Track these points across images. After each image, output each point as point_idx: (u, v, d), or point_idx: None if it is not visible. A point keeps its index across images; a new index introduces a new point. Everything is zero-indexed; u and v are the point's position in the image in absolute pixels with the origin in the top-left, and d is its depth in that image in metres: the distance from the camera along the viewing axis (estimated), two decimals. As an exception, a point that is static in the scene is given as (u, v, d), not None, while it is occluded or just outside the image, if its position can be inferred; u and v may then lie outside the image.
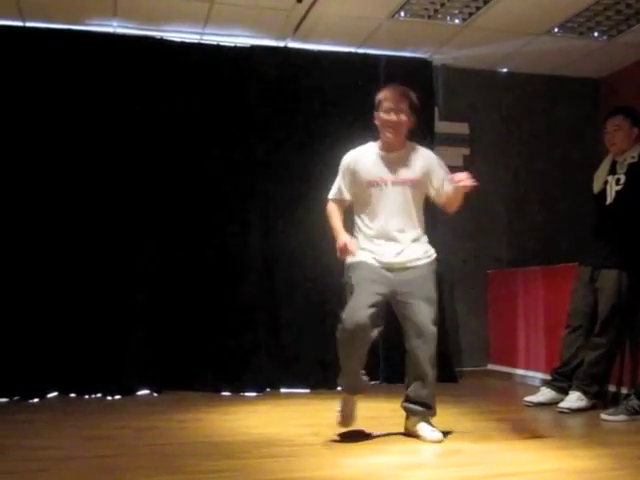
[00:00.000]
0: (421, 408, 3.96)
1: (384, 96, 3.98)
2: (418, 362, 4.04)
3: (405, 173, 3.94)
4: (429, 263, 4.04)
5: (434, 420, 3.99)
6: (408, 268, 3.93)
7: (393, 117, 3.92)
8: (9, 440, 3.89)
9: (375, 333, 3.87)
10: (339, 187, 4.03)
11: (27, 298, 5.46)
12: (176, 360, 5.71)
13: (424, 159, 4.02)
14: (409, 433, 3.95)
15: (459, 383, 6.24)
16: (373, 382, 5.91)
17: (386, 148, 3.99)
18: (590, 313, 4.84)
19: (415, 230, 3.99)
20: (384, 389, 5.82)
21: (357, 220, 4.03)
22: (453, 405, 5.01)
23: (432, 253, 4.08)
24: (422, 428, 3.88)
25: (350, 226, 4.03)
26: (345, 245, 3.79)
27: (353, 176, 3.98)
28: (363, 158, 3.99)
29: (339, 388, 4.12)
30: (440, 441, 3.79)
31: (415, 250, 3.97)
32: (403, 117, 3.94)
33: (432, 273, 4.05)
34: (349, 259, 3.89)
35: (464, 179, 3.82)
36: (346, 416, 3.97)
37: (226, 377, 5.72)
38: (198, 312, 5.80)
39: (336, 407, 4.01)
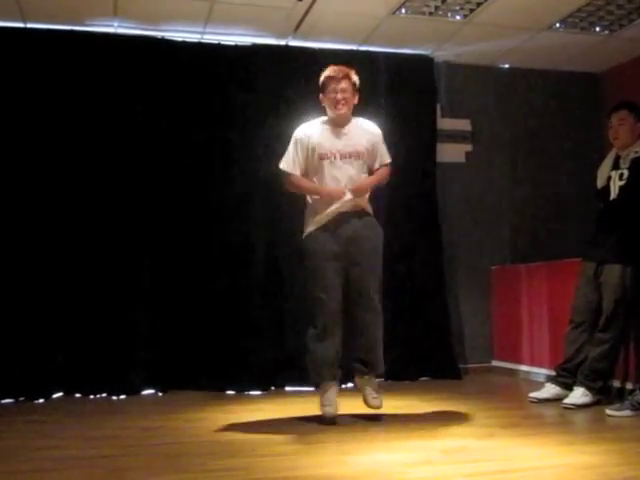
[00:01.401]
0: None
1: (328, 76, 4.28)
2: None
3: (353, 146, 4.26)
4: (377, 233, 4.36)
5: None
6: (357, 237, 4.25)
7: (339, 95, 4.23)
8: (14, 441, 3.90)
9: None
10: (295, 161, 4.30)
11: (32, 299, 5.47)
12: (181, 360, 5.71)
13: (370, 134, 4.36)
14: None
15: (463, 380, 6.24)
16: (378, 380, 5.93)
17: (334, 123, 4.30)
18: (594, 309, 4.83)
19: (363, 200, 4.33)
20: (387, 386, 5.82)
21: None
22: (458, 402, 5.01)
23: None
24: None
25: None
26: (332, 192, 4.19)
27: (306, 149, 4.26)
28: (315, 132, 4.29)
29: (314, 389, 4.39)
30: (378, 408, 4.23)
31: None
32: (348, 95, 4.26)
33: (380, 243, 4.35)
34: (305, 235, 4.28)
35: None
36: (332, 408, 4.19)
37: (230, 376, 5.73)
38: (202, 311, 5.81)
39: (320, 405, 4.23)
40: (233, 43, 6.13)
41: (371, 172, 4.42)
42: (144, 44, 5.93)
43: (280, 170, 4.37)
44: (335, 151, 4.23)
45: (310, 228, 4.28)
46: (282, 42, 6.21)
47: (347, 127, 4.32)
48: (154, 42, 5.96)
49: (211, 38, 6.08)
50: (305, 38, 6.12)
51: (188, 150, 5.93)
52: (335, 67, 4.32)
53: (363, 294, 4.20)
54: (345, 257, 4.19)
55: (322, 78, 4.31)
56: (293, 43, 6.22)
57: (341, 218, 4.22)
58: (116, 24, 5.79)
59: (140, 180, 5.81)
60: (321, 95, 4.33)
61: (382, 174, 4.42)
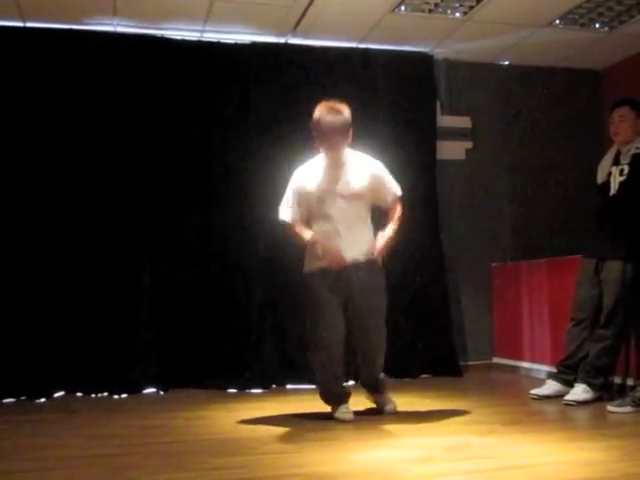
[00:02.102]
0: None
1: (321, 118, 4.13)
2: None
3: (351, 188, 4.18)
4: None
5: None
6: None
7: (330, 140, 4.12)
8: (16, 440, 3.90)
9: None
10: (292, 208, 4.24)
11: (33, 298, 5.47)
12: (182, 358, 5.72)
13: (371, 170, 4.25)
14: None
15: (464, 377, 6.24)
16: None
17: (330, 164, 4.21)
18: (595, 305, 4.83)
19: (365, 239, 4.24)
20: (390, 383, 5.82)
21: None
22: (459, 399, 5.02)
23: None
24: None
25: None
26: (338, 255, 4.08)
27: (304, 192, 4.19)
28: (312, 173, 4.21)
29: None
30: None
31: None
32: (339, 138, 4.13)
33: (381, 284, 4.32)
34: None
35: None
36: (348, 415, 4.24)
37: (232, 374, 5.73)
38: (203, 310, 5.81)
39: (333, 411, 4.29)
40: (232, 41, 6.12)
41: (379, 208, 4.33)
42: (143, 43, 5.92)
43: (282, 222, 4.32)
44: (333, 193, 4.15)
45: (310, 267, 4.22)
46: (282, 40, 6.20)
47: (345, 165, 4.22)
48: (153, 41, 5.95)
49: (210, 36, 6.07)
50: (305, 36, 6.11)
51: (187, 148, 5.93)
52: (329, 114, 4.12)
53: (361, 331, 4.22)
54: (345, 293, 4.16)
55: (315, 118, 4.16)
56: (292, 41, 6.22)
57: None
58: (115, 23, 5.78)
59: (139, 178, 5.81)
60: (315, 133, 4.20)
61: (399, 216, 4.31)
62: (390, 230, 4.25)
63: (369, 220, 4.29)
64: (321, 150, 4.22)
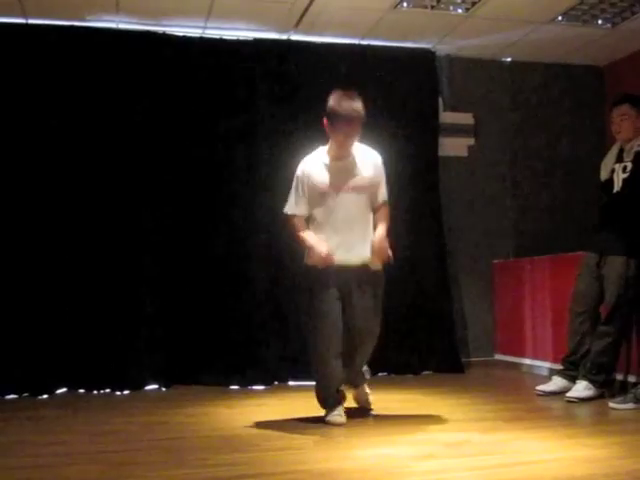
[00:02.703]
0: None
1: (340, 106, 3.99)
2: None
3: (355, 181, 4.08)
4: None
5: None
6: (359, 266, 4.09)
7: (348, 131, 3.99)
8: (18, 436, 3.91)
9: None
10: (298, 203, 4.13)
11: (34, 295, 5.47)
12: (184, 355, 5.72)
13: (374, 168, 4.14)
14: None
15: (466, 374, 6.24)
16: (381, 374, 5.94)
17: (336, 156, 4.10)
18: (594, 299, 4.84)
19: (368, 233, 4.11)
20: (390, 380, 5.83)
21: (314, 223, 4.15)
22: (460, 395, 5.02)
23: None
24: None
25: None
26: (326, 254, 3.95)
27: (308, 188, 4.09)
28: (315, 168, 4.11)
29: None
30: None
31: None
32: (357, 127, 4.02)
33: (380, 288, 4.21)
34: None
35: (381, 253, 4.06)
36: (341, 418, 4.12)
37: (234, 371, 5.73)
38: (205, 307, 5.81)
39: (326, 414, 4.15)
40: (235, 38, 6.12)
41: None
42: (145, 39, 5.92)
43: (284, 215, 4.22)
44: (336, 186, 4.05)
45: (311, 261, 4.10)
46: (284, 36, 6.20)
47: (351, 157, 4.11)
48: (156, 37, 5.95)
49: (213, 33, 6.07)
50: (307, 32, 6.11)
51: (190, 145, 5.92)
52: (347, 101, 3.99)
53: (355, 331, 4.11)
54: (344, 294, 4.07)
55: (332, 106, 4.01)
56: (295, 37, 6.21)
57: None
58: (117, 19, 5.78)
59: (142, 175, 5.81)
60: (326, 121, 4.05)
61: (387, 219, 4.18)
62: (384, 230, 4.11)
63: (371, 215, 4.16)
64: (334, 139, 4.06)
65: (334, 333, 4.03)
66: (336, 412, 4.09)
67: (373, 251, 4.02)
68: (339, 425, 4.01)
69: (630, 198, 4.77)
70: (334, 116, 3.99)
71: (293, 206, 4.16)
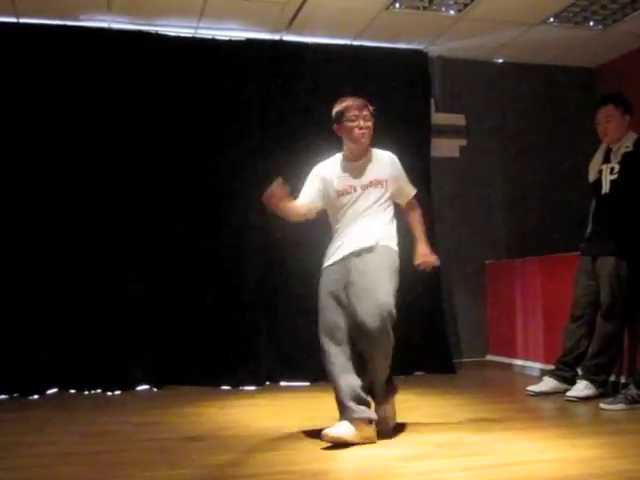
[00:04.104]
0: None
1: (346, 106, 3.98)
2: None
3: (371, 175, 3.99)
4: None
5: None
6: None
7: (361, 123, 3.95)
8: (9, 437, 3.89)
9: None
10: (309, 193, 4.01)
11: (26, 294, 5.45)
12: (175, 355, 5.71)
13: (391, 167, 4.08)
14: None
15: (458, 374, 6.25)
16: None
17: (351, 158, 4.03)
18: (592, 302, 4.86)
19: (386, 230, 4.04)
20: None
21: (333, 229, 4.06)
22: (452, 396, 5.03)
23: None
24: None
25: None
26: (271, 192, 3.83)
27: (324, 185, 4.00)
28: (332, 169, 4.03)
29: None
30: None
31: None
32: (369, 124, 3.97)
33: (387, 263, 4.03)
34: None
35: (429, 261, 4.14)
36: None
37: (225, 371, 5.73)
38: (197, 307, 5.80)
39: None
40: (227, 38, 6.11)
41: (397, 208, 4.13)
42: (138, 39, 5.90)
43: None
44: (353, 185, 3.96)
45: (325, 263, 4.00)
46: (276, 37, 6.19)
47: (364, 160, 4.01)
48: (148, 37, 5.94)
49: (205, 33, 6.06)
50: (299, 33, 6.11)
51: (181, 145, 5.92)
52: (351, 97, 4.00)
53: (358, 323, 3.76)
54: (344, 285, 3.89)
55: (338, 108, 3.98)
56: (287, 38, 6.21)
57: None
58: (110, 19, 5.77)
59: (135, 175, 5.79)
60: (336, 126, 3.99)
61: (422, 220, 4.16)
62: (424, 237, 4.13)
63: (389, 209, 4.03)
64: (349, 138, 3.97)
65: (338, 345, 3.82)
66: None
67: (419, 262, 4.12)
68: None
69: (618, 199, 4.78)
70: (342, 112, 3.97)
71: (300, 197, 4.02)
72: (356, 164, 4.01)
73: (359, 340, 3.81)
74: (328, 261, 3.97)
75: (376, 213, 3.98)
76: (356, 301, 3.78)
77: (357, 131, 3.94)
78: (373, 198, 3.97)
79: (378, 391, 3.88)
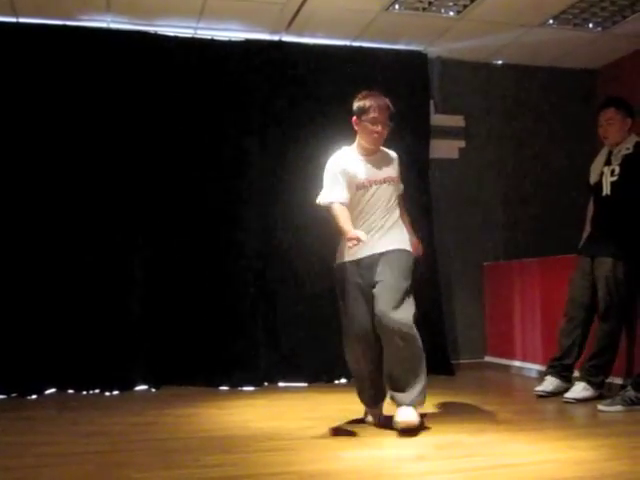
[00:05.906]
0: None
1: (370, 105, 4.05)
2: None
3: (385, 172, 4.12)
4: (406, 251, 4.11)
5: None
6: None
7: (379, 128, 4.05)
8: (7, 437, 3.89)
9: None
10: (335, 190, 3.99)
11: (24, 295, 5.45)
12: (174, 355, 5.71)
13: (395, 163, 4.24)
14: None
15: (456, 375, 6.25)
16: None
17: (365, 153, 4.13)
18: (588, 303, 4.86)
19: (399, 222, 4.14)
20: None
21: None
22: (450, 397, 5.02)
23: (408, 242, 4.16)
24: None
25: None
26: (356, 237, 3.77)
27: (348, 178, 4.02)
28: (350, 162, 4.08)
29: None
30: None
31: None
32: (387, 129, 4.08)
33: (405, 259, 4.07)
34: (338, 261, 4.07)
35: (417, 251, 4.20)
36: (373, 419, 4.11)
37: (224, 372, 5.73)
38: (195, 307, 5.80)
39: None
40: (226, 38, 6.11)
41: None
42: (137, 39, 5.90)
43: (322, 206, 4.04)
44: (370, 179, 4.04)
45: (341, 259, 4.03)
46: (275, 37, 6.19)
47: (377, 156, 4.14)
48: (147, 37, 5.93)
49: (204, 33, 6.06)
50: (298, 34, 6.11)
51: (180, 145, 5.91)
52: (376, 95, 4.09)
53: (380, 318, 3.84)
54: (369, 281, 3.96)
55: (361, 103, 4.06)
56: (286, 39, 6.21)
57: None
58: (109, 19, 5.77)
59: (133, 176, 5.79)
60: (355, 119, 4.07)
61: (405, 210, 4.28)
62: (409, 225, 4.24)
63: (400, 208, 4.19)
64: (364, 135, 4.05)
65: (362, 332, 3.93)
66: (368, 417, 4.13)
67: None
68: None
69: (618, 201, 4.79)
70: (364, 110, 4.04)
71: (329, 194, 4.00)
72: (370, 158, 4.12)
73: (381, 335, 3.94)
74: (349, 257, 3.99)
75: (391, 210, 4.10)
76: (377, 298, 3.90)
77: (374, 135, 4.06)
78: (388, 194, 4.09)
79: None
